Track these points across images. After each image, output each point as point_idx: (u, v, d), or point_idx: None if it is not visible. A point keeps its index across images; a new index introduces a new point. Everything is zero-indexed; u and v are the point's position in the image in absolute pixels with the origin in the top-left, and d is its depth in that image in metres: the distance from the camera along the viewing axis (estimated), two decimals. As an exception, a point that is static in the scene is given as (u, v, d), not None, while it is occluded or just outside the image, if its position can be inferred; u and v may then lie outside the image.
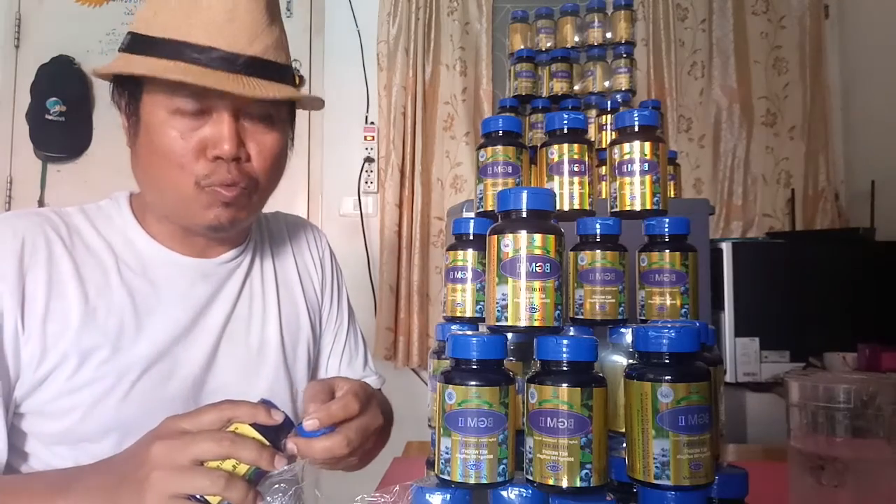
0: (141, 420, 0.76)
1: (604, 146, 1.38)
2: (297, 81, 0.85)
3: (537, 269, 0.54)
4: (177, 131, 0.75)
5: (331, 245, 1.06)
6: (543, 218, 0.56)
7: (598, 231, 0.62)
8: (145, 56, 0.75)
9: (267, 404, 0.65)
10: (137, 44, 0.76)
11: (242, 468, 0.60)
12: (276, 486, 0.64)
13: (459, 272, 0.65)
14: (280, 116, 0.82)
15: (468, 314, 0.64)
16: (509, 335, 0.59)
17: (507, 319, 0.54)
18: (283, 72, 0.80)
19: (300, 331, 0.95)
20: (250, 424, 0.62)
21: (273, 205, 0.91)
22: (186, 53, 0.74)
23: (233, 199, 0.78)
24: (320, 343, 1.01)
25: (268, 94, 0.75)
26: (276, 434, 0.63)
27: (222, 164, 0.76)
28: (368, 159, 2.53)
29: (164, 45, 0.74)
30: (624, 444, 0.54)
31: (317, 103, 0.88)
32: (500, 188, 0.63)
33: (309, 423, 0.66)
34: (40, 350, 0.74)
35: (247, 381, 0.86)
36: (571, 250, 0.63)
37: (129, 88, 0.79)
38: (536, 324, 0.54)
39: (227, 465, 0.60)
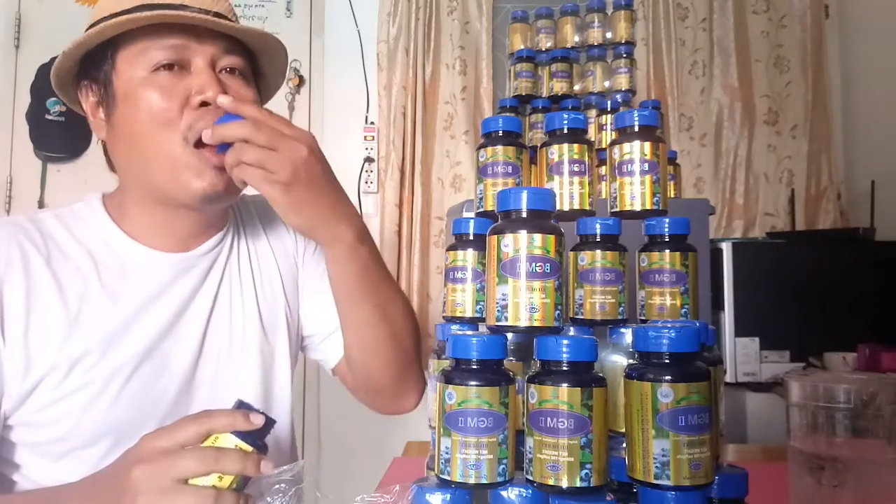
0: (134, 421, 0.76)
1: (604, 146, 1.38)
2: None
3: (537, 269, 0.54)
4: (157, 89, 0.76)
5: None
6: (543, 218, 0.56)
7: (598, 231, 0.62)
8: (115, 19, 0.75)
9: (244, 407, 0.64)
10: (105, 21, 0.76)
11: (228, 478, 0.60)
12: (276, 486, 0.64)
13: (459, 272, 0.65)
14: (250, 76, 0.84)
15: (468, 314, 0.64)
16: (509, 335, 0.59)
17: (507, 319, 0.54)
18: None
19: (279, 311, 0.93)
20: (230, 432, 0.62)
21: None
22: (159, 7, 0.75)
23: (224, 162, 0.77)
24: (301, 307, 0.97)
25: (245, 28, 0.78)
26: (257, 436, 0.63)
27: (209, 110, 0.76)
28: (368, 159, 2.53)
29: (137, 8, 0.76)
30: (624, 444, 0.54)
31: (282, 58, 0.88)
32: (500, 188, 0.63)
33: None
34: (24, 363, 0.73)
35: (231, 369, 0.85)
36: (571, 250, 0.63)
37: (100, 62, 0.78)
38: (536, 324, 0.54)
39: (212, 477, 0.59)
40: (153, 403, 0.78)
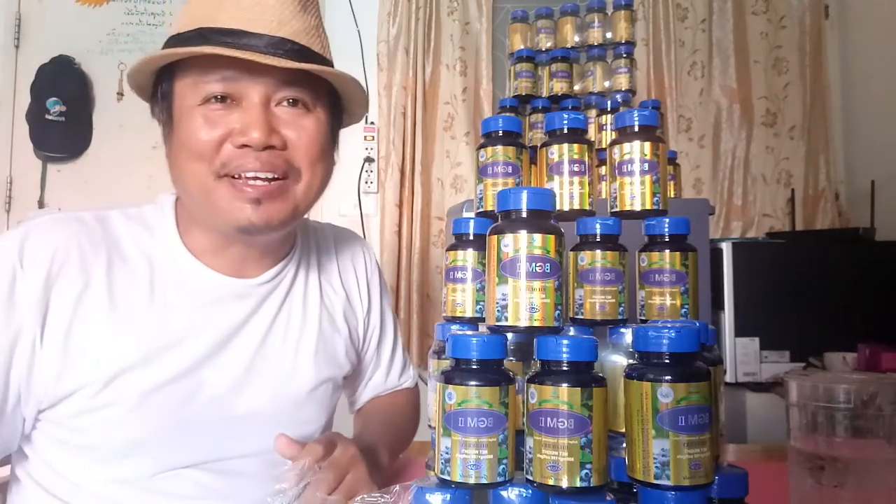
0: (161, 441, 0.75)
1: (604, 146, 1.38)
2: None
3: (537, 269, 0.54)
4: (203, 119, 0.72)
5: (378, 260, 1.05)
6: (543, 218, 0.56)
7: (598, 231, 0.62)
8: (161, 52, 0.73)
9: None
10: (169, 44, 0.75)
11: None
12: (278, 486, 0.64)
13: (459, 272, 0.65)
14: (318, 105, 0.78)
15: (468, 314, 0.64)
16: (509, 335, 0.59)
17: (507, 319, 0.54)
18: (317, 58, 0.76)
19: (336, 354, 0.91)
20: None
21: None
22: (214, 38, 0.72)
23: (264, 194, 0.73)
24: (360, 365, 0.99)
25: (292, 65, 0.71)
26: None
27: (249, 153, 0.72)
28: (368, 159, 2.53)
29: (193, 35, 0.73)
30: (624, 444, 0.54)
31: (355, 88, 0.81)
32: (500, 188, 0.63)
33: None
34: (59, 368, 0.72)
35: (276, 405, 0.83)
36: (571, 250, 0.63)
37: (163, 84, 0.77)
38: (536, 324, 0.54)
39: None
40: (182, 426, 0.76)
